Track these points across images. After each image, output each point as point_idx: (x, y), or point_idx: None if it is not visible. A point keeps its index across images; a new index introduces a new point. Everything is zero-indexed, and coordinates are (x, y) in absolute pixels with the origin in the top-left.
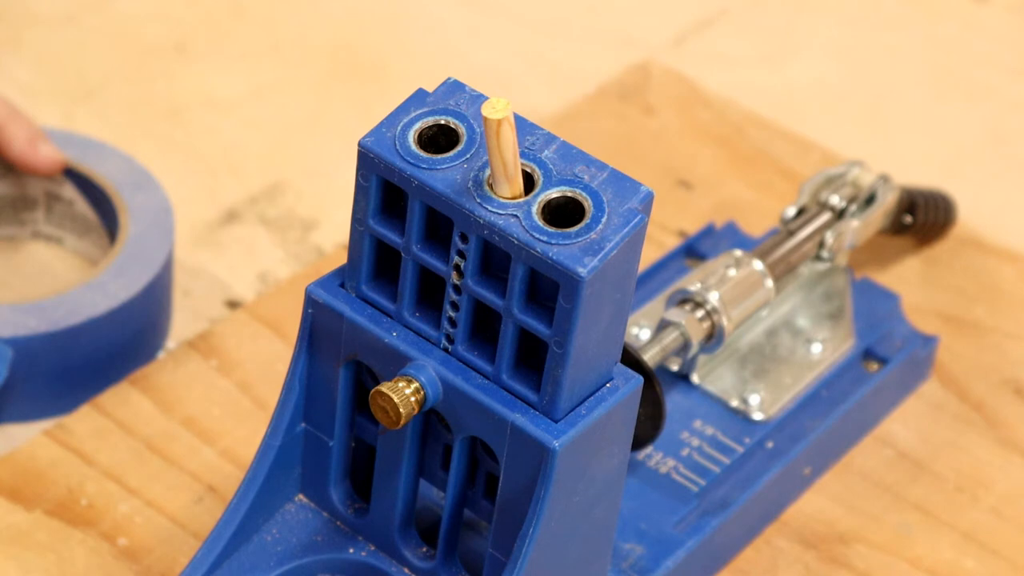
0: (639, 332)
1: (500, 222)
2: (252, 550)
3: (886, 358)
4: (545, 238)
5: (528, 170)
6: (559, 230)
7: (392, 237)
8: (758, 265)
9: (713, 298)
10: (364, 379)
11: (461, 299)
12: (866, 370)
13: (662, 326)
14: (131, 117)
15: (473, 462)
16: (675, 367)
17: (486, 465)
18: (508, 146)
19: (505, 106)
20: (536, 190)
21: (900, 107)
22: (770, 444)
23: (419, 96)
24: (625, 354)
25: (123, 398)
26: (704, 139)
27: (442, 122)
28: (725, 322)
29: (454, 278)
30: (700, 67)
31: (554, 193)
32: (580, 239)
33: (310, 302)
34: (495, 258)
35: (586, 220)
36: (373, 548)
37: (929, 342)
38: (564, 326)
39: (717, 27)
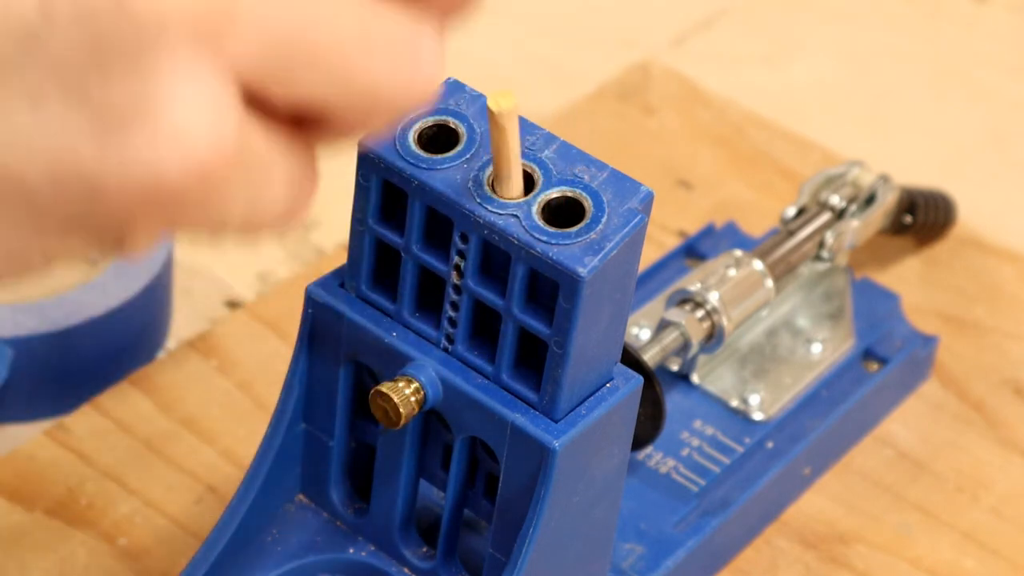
0: (639, 332)
1: (500, 222)
2: (252, 550)
3: (886, 358)
4: (545, 238)
5: (528, 170)
6: (559, 230)
7: (392, 237)
8: (758, 265)
9: (713, 298)
10: (364, 379)
11: (461, 299)
12: (866, 370)
13: (662, 326)
14: None
15: (473, 462)
16: (675, 367)
17: (486, 465)
18: (515, 140)
19: (511, 98)
20: (536, 190)
21: (900, 107)
22: (770, 444)
23: None
24: (625, 354)
25: (123, 398)
26: (704, 139)
27: (442, 122)
28: (725, 322)
29: (454, 278)
30: (700, 67)
31: (554, 193)
32: (580, 239)
33: (310, 302)
34: (495, 258)
35: (586, 220)
36: (373, 548)
37: (929, 342)
38: (564, 326)
39: (717, 27)
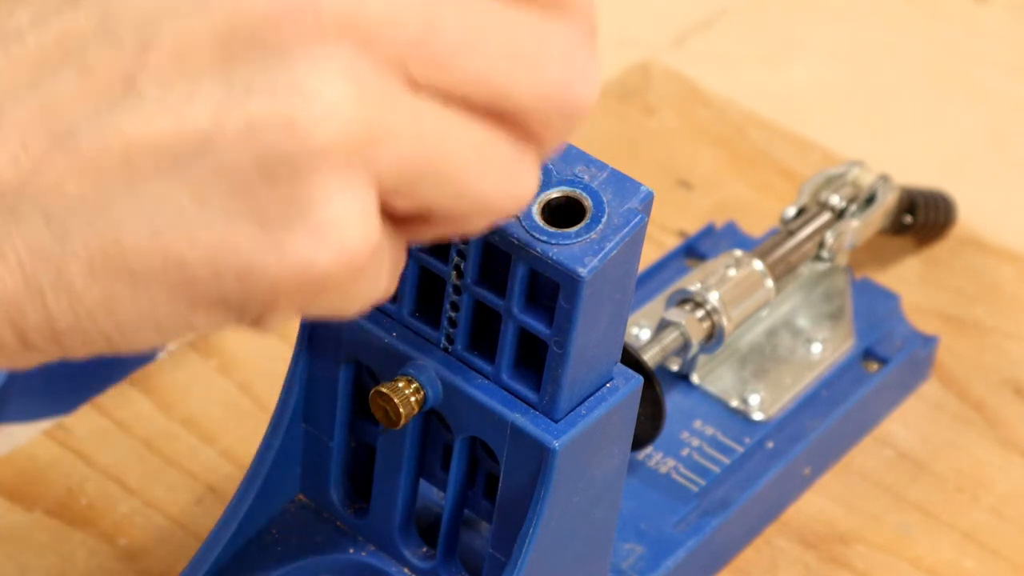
0: (639, 332)
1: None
2: (252, 550)
3: (886, 358)
4: (545, 238)
5: None
6: (559, 230)
7: None
8: (758, 265)
9: (713, 298)
10: (364, 379)
11: (461, 299)
12: (866, 370)
13: (662, 326)
14: None
15: (473, 462)
16: (675, 367)
17: (486, 465)
18: None
19: None
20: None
21: (900, 107)
22: (770, 444)
23: None
24: (625, 354)
25: (123, 398)
26: (704, 139)
27: None
28: (725, 322)
29: (454, 278)
30: (700, 67)
31: (554, 193)
32: (580, 239)
33: None
34: (495, 258)
35: (586, 220)
36: (373, 548)
37: (929, 342)
38: (564, 326)
39: (717, 27)
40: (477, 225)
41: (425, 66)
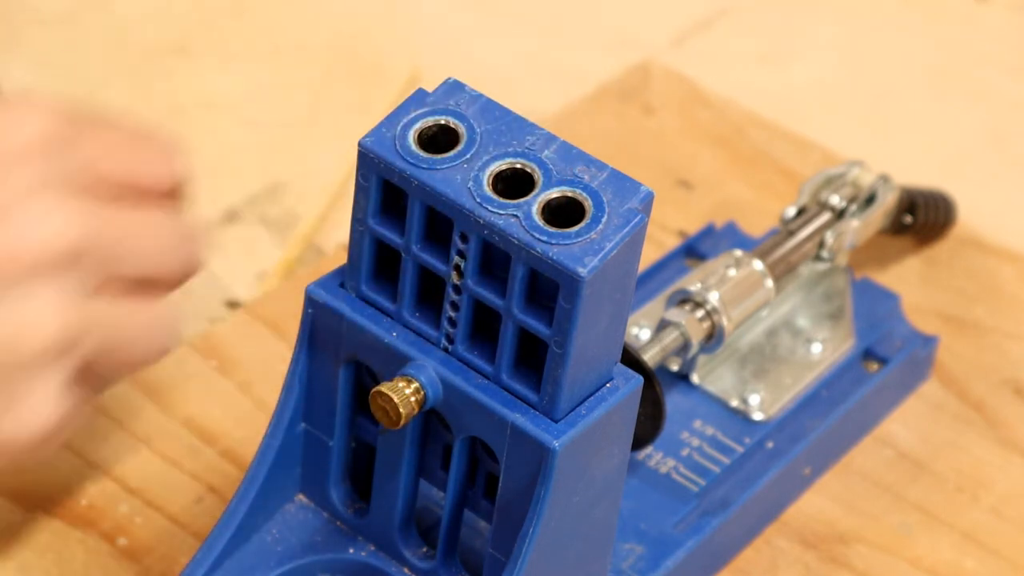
0: (639, 332)
1: (500, 222)
2: (252, 550)
3: (886, 358)
4: (545, 238)
5: (528, 170)
6: (559, 230)
7: (392, 237)
8: (758, 265)
9: (713, 298)
10: (364, 379)
11: (461, 299)
12: (866, 370)
13: (662, 326)
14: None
15: (473, 462)
16: (675, 367)
17: (486, 465)
18: None
19: None
20: (536, 190)
21: (900, 107)
22: (770, 444)
23: (419, 96)
24: (625, 354)
25: (123, 398)
26: (704, 139)
27: (442, 122)
28: (725, 322)
29: (454, 278)
30: (700, 67)
31: (554, 193)
32: (580, 239)
33: (310, 302)
34: (495, 258)
35: (586, 220)
36: (373, 548)
37: (929, 342)
38: (564, 326)
39: (717, 27)
40: (131, 373)
41: (99, 274)
